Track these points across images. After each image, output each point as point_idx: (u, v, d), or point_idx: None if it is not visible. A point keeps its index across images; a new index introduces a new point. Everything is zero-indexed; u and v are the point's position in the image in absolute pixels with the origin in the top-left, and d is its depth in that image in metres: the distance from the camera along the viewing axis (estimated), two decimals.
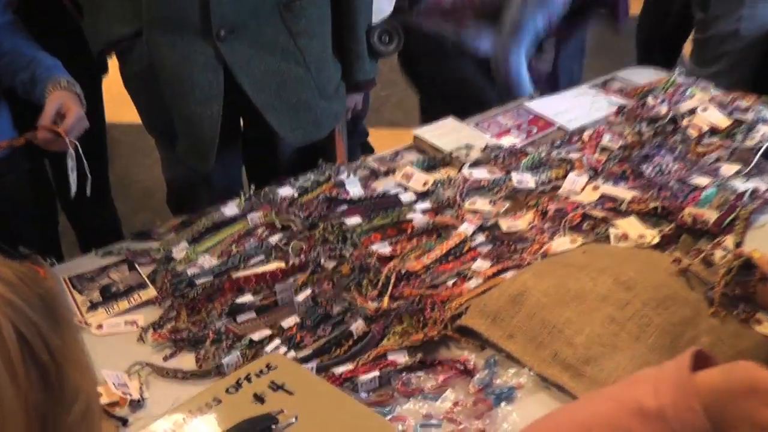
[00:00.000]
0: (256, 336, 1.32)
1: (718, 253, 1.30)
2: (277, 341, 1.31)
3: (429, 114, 2.16)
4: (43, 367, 0.55)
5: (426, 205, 1.65)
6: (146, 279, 1.50)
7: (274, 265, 1.49)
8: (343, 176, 1.74)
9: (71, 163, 1.45)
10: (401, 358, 1.26)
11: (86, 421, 0.58)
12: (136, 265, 1.54)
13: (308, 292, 1.40)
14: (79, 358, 0.59)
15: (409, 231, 1.57)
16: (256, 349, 1.30)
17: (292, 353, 1.29)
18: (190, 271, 1.49)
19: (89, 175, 1.49)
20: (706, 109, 1.82)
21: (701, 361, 0.73)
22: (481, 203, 1.63)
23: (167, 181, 2.04)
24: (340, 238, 1.55)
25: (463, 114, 1.96)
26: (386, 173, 1.78)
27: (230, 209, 1.66)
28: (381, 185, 1.73)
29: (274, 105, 1.73)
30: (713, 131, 1.79)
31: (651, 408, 0.70)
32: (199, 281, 1.46)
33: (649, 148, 1.74)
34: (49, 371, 0.55)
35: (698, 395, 0.69)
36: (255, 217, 1.63)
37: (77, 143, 1.46)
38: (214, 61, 1.65)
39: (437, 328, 1.30)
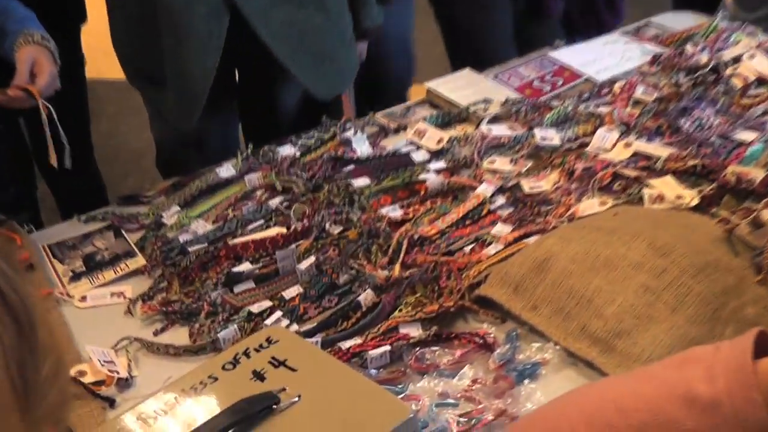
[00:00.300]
0: (255, 308, 1.32)
1: (766, 214, 1.28)
2: (278, 313, 1.31)
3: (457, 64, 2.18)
4: (13, 309, 0.56)
5: (440, 164, 1.65)
6: (134, 246, 1.50)
7: (274, 231, 1.48)
8: (349, 134, 1.74)
9: (47, 130, 1.43)
10: (414, 332, 1.25)
11: (58, 382, 0.59)
12: (123, 232, 1.53)
13: (312, 259, 1.40)
14: (45, 318, 0.60)
15: (422, 193, 1.57)
16: (255, 322, 1.30)
17: (294, 326, 1.28)
18: (183, 238, 1.49)
19: (66, 145, 1.48)
20: (753, 56, 1.79)
21: (764, 344, 0.69)
22: (501, 162, 1.63)
23: (156, 141, 2.03)
24: (347, 200, 1.55)
25: (486, 66, 1.97)
26: (397, 130, 1.78)
27: (226, 170, 1.65)
28: (391, 143, 1.73)
29: (297, 56, 1.74)
30: (760, 81, 1.76)
31: (703, 395, 0.67)
32: (192, 248, 1.46)
33: (687, 101, 1.71)
34: (20, 313, 0.56)
35: (759, 385, 0.65)
36: (253, 178, 1.62)
37: (51, 107, 1.43)
38: (220, 8, 1.64)
39: (453, 299, 1.30)
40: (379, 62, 2.23)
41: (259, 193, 1.61)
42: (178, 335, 1.32)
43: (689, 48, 1.86)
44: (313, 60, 1.76)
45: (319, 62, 1.77)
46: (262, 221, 1.53)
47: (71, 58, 1.60)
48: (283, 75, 1.80)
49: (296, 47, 1.73)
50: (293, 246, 1.44)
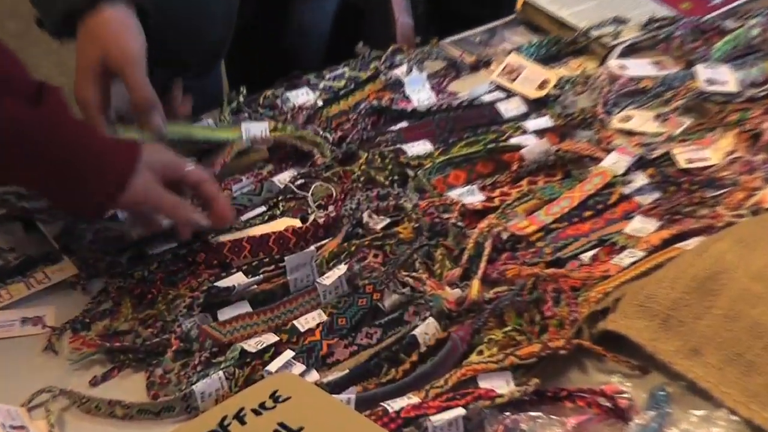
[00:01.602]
0: (252, 345, 1.31)
1: None
2: (288, 354, 1.29)
3: None
4: None
5: (544, 121, 1.65)
6: (56, 245, 1.49)
7: (282, 224, 1.49)
8: (400, 71, 1.74)
9: None
10: (502, 387, 1.23)
11: None
12: (38, 223, 1.53)
13: (342, 269, 1.40)
14: None
15: (514, 167, 1.57)
16: (252, 367, 1.29)
17: (314, 374, 1.27)
18: (138, 232, 1.49)
19: None
20: None
21: None
22: (641, 119, 1.63)
23: None
24: (396, 177, 1.55)
25: None
26: (475, 67, 1.79)
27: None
28: (466, 87, 1.74)
29: None
30: None
31: None
32: (153, 250, 1.46)
33: None
34: None
35: None
36: (253, 127, 1.62)
37: None
38: None
39: (565, 336, 1.28)
40: None
41: (257, 162, 1.61)
42: (130, 386, 1.31)
43: None
44: None
45: None
46: (262, 208, 1.53)
47: None
48: None
49: None
50: (312, 249, 1.43)
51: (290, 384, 1.16)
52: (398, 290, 1.37)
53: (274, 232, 1.45)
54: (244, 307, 1.37)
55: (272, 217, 1.51)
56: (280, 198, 1.54)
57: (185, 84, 1.70)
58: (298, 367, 1.28)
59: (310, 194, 1.53)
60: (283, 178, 1.57)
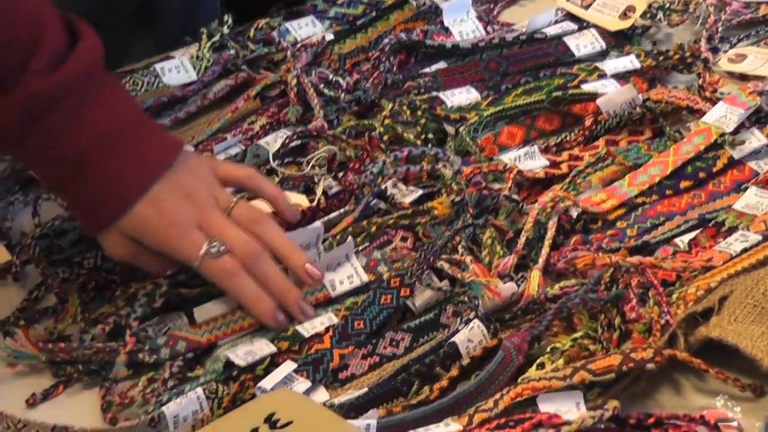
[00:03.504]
0: (240, 354, 1.32)
1: None
2: (288, 365, 1.30)
3: None
4: None
5: (628, 61, 1.66)
6: None
7: None
8: None
9: None
10: (570, 410, 1.23)
11: None
12: None
13: (348, 245, 1.42)
14: None
15: (588, 122, 1.57)
16: (239, 382, 1.30)
17: (322, 393, 1.29)
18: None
19: None
20: None
21: None
22: (759, 59, 1.64)
23: None
24: (431, 134, 1.56)
25: None
26: None
27: (176, 72, 1.69)
28: (524, 16, 1.76)
29: None
30: None
31: None
32: None
33: None
34: None
35: None
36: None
37: None
38: None
39: (654, 344, 1.28)
40: None
41: (245, 114, 1.63)
42: (80, 404, 1.32)
43: None
44: None
45: None
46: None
47: None
48: None
49: None
50: (318, 224, 1.44)
51: (291, 405, 1.16)
52: (433, 284, 1.38)
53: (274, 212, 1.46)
54: (228, 305, 1.38)
55: None
56: (277, 163, 1.55)
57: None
58: (302, 384, 1.29)
59: (314, 157, 1.54)
60: (276, 137, 1.58)
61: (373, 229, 1.45)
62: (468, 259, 1.39)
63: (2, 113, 1.31)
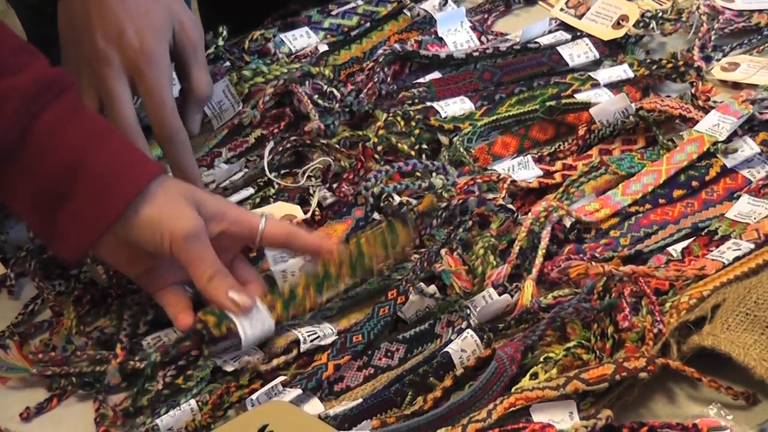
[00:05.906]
0: (228, 360, 1.32)
1: None
2: (280, 377, 1.30)
3: None
4: None
5: (620, 71, 1.66)
6: None
7: (278, 209, 1.50)
8: (430, 4, 1.77)
9: None
10: (564, 420, 1.23)
11: None
12: None
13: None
14: None
15: (581, 131, 1.57)
16: (230, 389, 1.30)
17: (316, 404, 1.28)
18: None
19: None
20: None
21: None
22: (752, 68, 1.63)
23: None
24: (425, 144, 1.56)
25: None
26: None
27: (173, 85, 1.64)
28: (518, 26, 1.75)
29: None
30: None
31: None
32: None
33: None
34: None
35: None
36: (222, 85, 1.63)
37: None
38: None
39: (647, 353, 1.28)
40: None
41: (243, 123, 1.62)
42: (74, 418, 1.32)
43: None
44: None
45: None
46: (250, 189, 1.55)
47: None
48: None
49: None
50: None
51: (284, 416, 1.16)
52: (426, 294, 1.38)
53: None
54: None
55: (264, 200, 1.53)
56: (273, 175, 1.55)
57: None
58: (293, 394, 1.28)
59: (306, 170, 1.54)
60: (269, 148, 1.57)
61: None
62: (443, 251, 1.39)
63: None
